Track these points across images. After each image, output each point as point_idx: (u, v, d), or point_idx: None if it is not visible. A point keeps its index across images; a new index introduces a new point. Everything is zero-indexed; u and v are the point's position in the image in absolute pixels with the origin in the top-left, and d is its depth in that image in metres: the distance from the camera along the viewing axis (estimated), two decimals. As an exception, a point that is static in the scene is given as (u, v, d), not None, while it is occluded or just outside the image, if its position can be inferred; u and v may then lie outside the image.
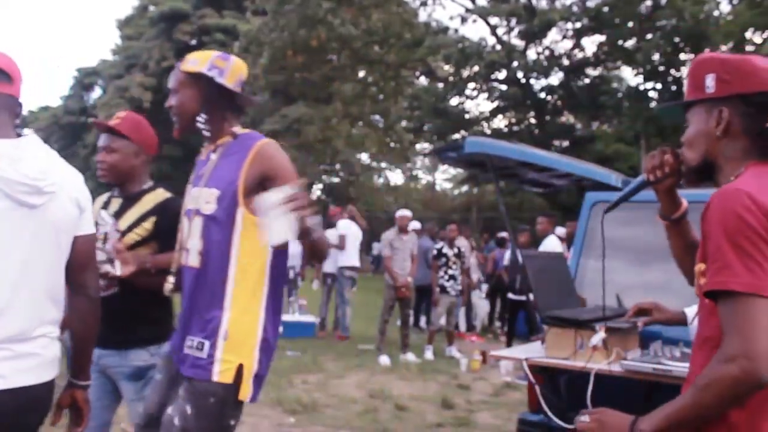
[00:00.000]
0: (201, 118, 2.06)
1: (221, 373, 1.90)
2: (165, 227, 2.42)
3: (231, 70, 2.05)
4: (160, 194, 2.58)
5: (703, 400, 1.22)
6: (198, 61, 2.05)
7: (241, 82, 2.08)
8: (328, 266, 8.89)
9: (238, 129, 2.08)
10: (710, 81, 1.39)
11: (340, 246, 8.60)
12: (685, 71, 15.96)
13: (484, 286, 10.55)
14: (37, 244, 1.73)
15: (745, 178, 1.31)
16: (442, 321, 7.76)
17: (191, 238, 2.03)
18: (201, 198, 2.01)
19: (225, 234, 1.95)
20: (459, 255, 7.81)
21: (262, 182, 1.92)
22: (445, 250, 7.79)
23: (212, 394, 1.89)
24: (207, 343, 1.92)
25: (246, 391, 1.92)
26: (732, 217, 1.22)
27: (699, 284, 1.35)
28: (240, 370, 1.91)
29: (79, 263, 1.86)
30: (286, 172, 1.96)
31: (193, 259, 2.01)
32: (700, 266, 1.34)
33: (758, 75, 1.35)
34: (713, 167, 1.41)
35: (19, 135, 1.75)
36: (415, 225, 9.48)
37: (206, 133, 2.09)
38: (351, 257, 8.71)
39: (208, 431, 1.89)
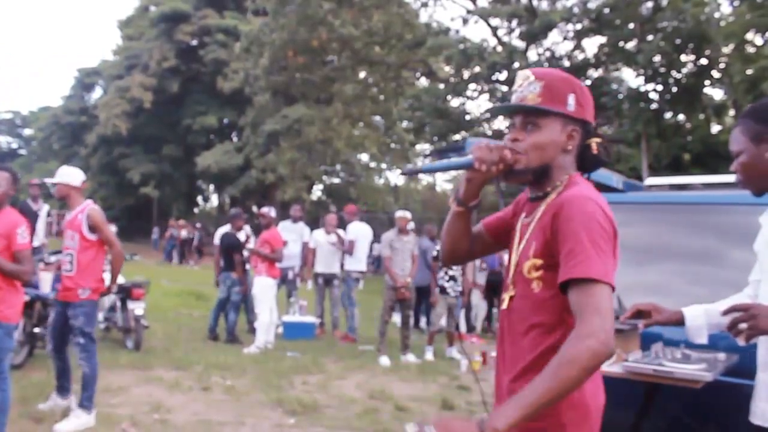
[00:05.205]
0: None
1: None
2: None
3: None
4: None
5: (569, 376, 1.30)
6: None
7: None
8: (319, 266, 8.86)
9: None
10: (572, 100, 1.58)
11: (349, 251, 8.62)
12: (686, 72, 16.00)
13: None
14: None
15: (583, 188, 1.52)
16: (443, 322, 7.76)
17: None
18: None
19: None
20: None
21: None
22: (445, 250, 7.80)
23: None
24: None
25: None
26: (593, 223, 1.43)
27: (527, 276, 1.53)
28: None
29: None
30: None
31: None
32: (535, 261, 1.52)
33: (591, 108, 1.62)
34: (546, 171, 1.58)
35: None
36: (410, 225, 9.44)
37: None
38: (359, 261, 8.73)
39: None
